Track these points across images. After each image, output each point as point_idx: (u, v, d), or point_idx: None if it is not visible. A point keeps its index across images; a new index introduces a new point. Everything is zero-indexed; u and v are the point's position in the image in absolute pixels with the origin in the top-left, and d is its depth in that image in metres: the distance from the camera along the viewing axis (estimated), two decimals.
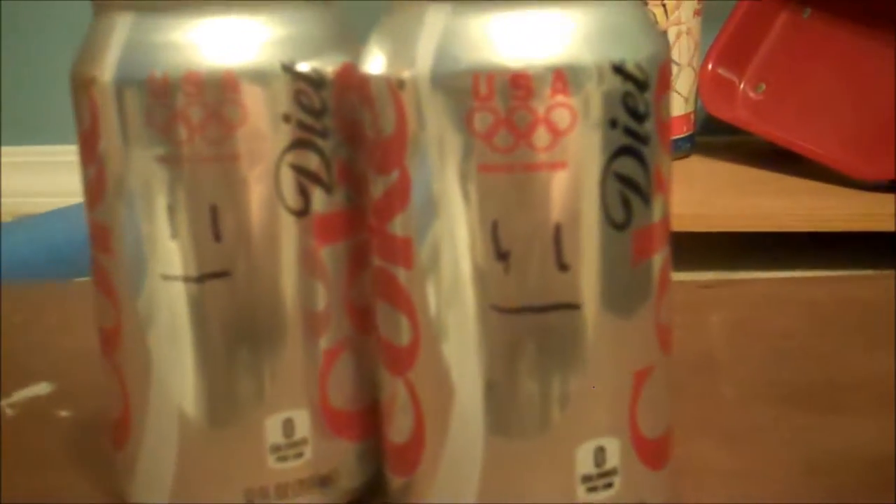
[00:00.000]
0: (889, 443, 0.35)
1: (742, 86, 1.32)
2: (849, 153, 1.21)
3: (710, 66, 1.30)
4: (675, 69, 1.32)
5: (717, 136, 1.40)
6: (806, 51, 1.29)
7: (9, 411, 0.41)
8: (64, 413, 0.40)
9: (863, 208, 1.13)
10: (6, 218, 1.52)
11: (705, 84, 1.31)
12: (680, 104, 1.34)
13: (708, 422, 0.37)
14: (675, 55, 1.32)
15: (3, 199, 1.58)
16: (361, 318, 0.31)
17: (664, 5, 1.30)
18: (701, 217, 1.15)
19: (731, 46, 1.30)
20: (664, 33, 0.28)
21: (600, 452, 0.28)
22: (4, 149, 1.66)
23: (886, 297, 0.48)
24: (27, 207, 1.54)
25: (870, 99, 1.23)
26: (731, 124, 1.29)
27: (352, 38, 0.31)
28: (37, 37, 1.63)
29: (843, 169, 1.20)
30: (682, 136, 1.35)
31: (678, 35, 1.31)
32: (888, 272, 0.51)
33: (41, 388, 0.43)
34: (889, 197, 1.15)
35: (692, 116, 1.36)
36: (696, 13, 1.33)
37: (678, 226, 1.20)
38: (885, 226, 1.12)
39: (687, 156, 1.36)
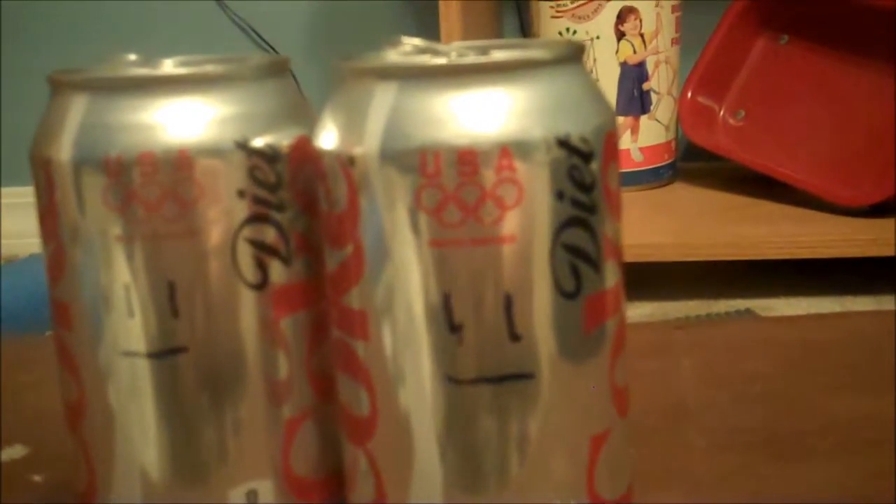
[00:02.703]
0: (856, 490, 0.36)
1: (722, 113, 1.33)
2: (829, 178, 1.22)
3: (689, 94, 1.32)
4: (654, 98, 1.33)
5: (698, 163, 1.41)
6: (784, 77, 1.30)
7: None
8: (37, 477, 0.40)
9: (844, 234, 1.14)
10: (5, 260, 1.52)
11: (685, 112, 1.32)
12: (660, 132, 1.35)
13: (673, 471, 0.38)
14: (654, 84, 1.33)
15: (2, 241, 1.58)
16: (324, 386, 0.31)
17: (642, 35, 1.31)
18: (683, 246, 1.16)
19: (709, 74, 1.32)
20: (609, 103, 0.29)
21: None
22: (4, 190, 1.66)
23: (854, 337, 0.49)
24: (27, 249, 1.54)
25: (849, 124, 1.24)
26: (711, 151, 1.30)
27: (308, 109, 0.31)
28: (36, 77, 1.64)
29: (823, 194, 1.21)
30: (663, 163, 1.36)
31: (657, 64, 1.33)
32: (858, 311, 0.52)
33: (15, 452, 0.43)
34: (869, 222, 1.16)
35: (673, 144, 1.37)
36: (674, 42, 1.34)
37: (660, 255, 1.20)
38: (867, 251, 1.12)
39: (669, 183, 1.37)
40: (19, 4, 1.62)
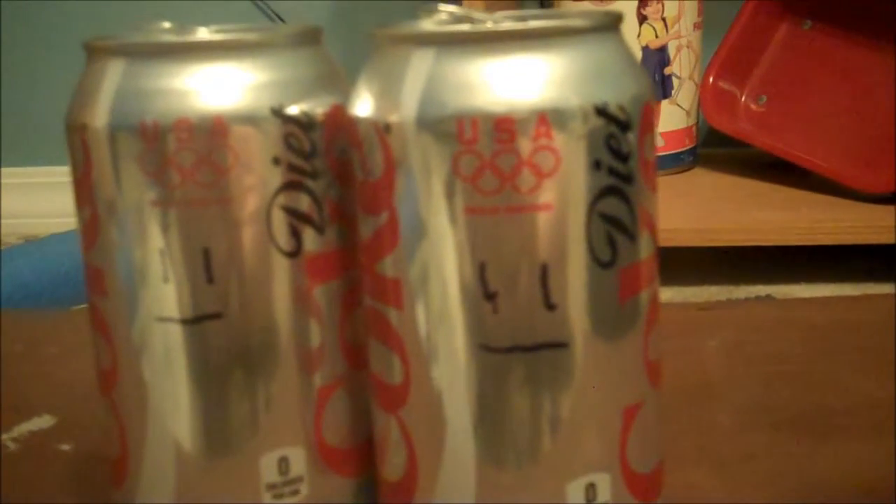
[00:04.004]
0: (882, 469, 0.36)
1: (743, 98, 1.32)
2: (851, 164, 1.21)
3: (711, 79, 1.31)
4: (676, 82, 1.33)
5: (719, 149, 1.40)
6: (807, 62, 1.30)
7: (11, 445, 0.41)
8: (65, 447, 0.41)
9: (866, 220, 1.14)
10: (7, 239, 1.53)
11: (707, 97, 1.31)
12: (682, 117, 1.34)
13: (701, 450, 0.38)
14: (675, 69, 1.32)
15: (3, 221, 1.58)
16: (356, 355, 0.31)
17: (664, 19, 1.30)
18: (704, 231, 1.15)
19: (731, 59, 1.31)
20: (646, 72, 0.28)
21: (591, 489, 0.28)
22: (5, 170, 1.67)
23: (880, 318, 0.48)
24: (28, 229, 1.54)
25: (871, 110, 1.24)
26: (733, 136, 1.30)
27: (342, 79, 0.31)
28: (38, 56, 1.64)
29: (846, 181, 1.20)
30: (684, 149, 1.35)
31: (678, 48, 1.32)
32: (884, 293, 0.51)
33: (43, 422, 0.43)
34: (891, 209, 1.15)
35: (694, 129, 1.36)
36: (697, 26, 1.33)
37: (681, 241, 1.20)
38: (888, 238, 1.12)
39: (690, 168, 1.36)
40: None
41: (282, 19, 1.57)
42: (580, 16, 0.28)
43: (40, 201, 1.59)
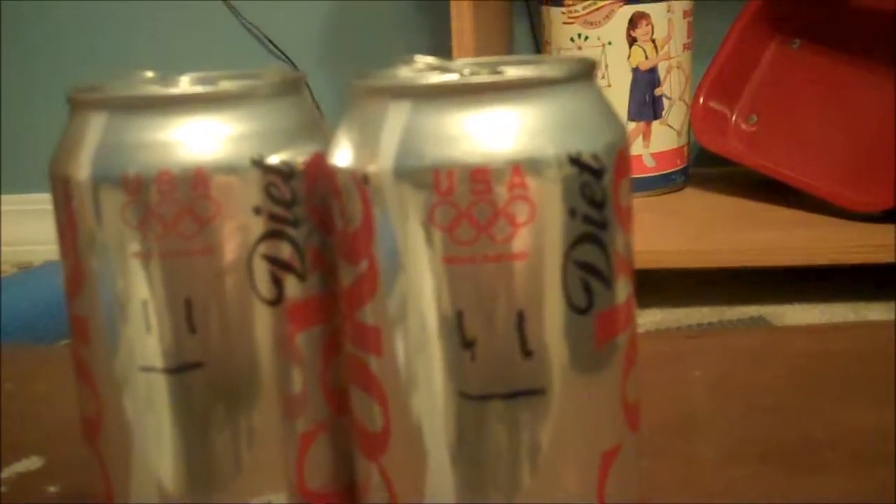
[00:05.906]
0: (865, 502, 0.36)
1: (734, 118, 1.33)
2: (842, 183, 1.22)
3: (701, 100, 1.32)
4: (666, 103, 1.34)
5: (710, 168, 1.41)
6: (796, 81, 1.30)
7: (1, 488, 0.41)
8: (52, 489, 0.41)
9: (857, 240, 1.14)
10: (7, 266, 1.53)
11: (697, 117, 1.32)
12: (672, 137, 1.35)
13: (684, 483, 0.38)
14: (666, 89, 1.33)
15: (3, 248, 1.59)
16: (338, 400, 0.32)
17: (654, 41, 1.31)
18: (695, 252, 1.16)
19: (721, 79, 1.32)
20: (621, 120, 0.29)
21: None
22: (5, 197, 1.67)
23: (866, 347, 0.49)
24: (28, 256, 1.55)
25: (861, 129, 1.24)
26: (724, 156, 1.30)
27: (322, 126, 0.32)
28: (38, 83, 1.65)
29: (836, 200, 1.21)
30: (675, 169, 1.36)
31: (669, 69, 1.33)
32: (870, 321, 0.52)
33: (32, 463, 0.43)
34: (882, 228, 1.15)
35: (685, 149, 1.37)
36: (686, 47, 1.34)
37: (672, 262, 1.20)
38: (880, 257, 1.12)
39: (681, 189, 1.37)
40: (20, 9, 1.63)
41: (288, 57, 1.57)
42: (554, 65, 0.29)
43: (41, 228, 1.59)
